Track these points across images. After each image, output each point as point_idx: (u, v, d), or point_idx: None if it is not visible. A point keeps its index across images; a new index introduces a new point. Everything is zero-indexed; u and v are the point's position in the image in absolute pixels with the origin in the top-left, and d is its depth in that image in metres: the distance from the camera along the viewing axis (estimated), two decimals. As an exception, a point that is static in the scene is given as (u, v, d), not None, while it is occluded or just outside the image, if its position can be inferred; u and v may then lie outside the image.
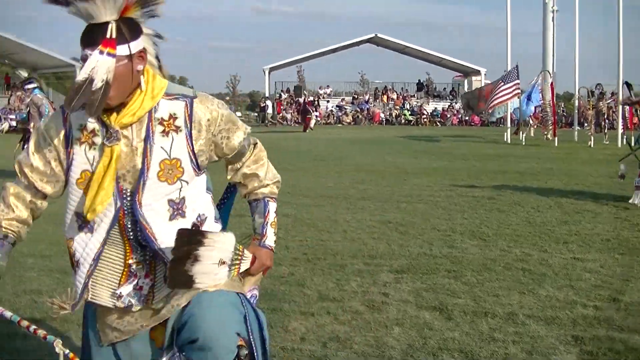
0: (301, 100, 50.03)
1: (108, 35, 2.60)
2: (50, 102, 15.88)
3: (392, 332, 5.48)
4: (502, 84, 28.46)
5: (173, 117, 2.81)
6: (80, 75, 2.53)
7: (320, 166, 18.34)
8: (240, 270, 2.98)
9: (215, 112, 2.89)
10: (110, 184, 2.74)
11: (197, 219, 2.94)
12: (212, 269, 2.82)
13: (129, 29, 2.67)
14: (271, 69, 58.51)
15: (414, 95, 59.79)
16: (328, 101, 56.90)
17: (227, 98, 56.49)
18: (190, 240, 2.78)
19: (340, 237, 9.08)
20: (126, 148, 2.77)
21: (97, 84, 2.55)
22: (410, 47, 60.66)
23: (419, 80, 61.80)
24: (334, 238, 9.00)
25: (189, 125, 2.82)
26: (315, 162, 19.46)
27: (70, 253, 2.93)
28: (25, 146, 2.90)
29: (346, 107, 56.22)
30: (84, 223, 2.85)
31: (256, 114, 52.53)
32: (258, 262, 3.04)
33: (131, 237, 2.84)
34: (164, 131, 2.79)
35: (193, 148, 2.84)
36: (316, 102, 53.85)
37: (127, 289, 2.89)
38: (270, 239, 3.13)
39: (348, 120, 53.62)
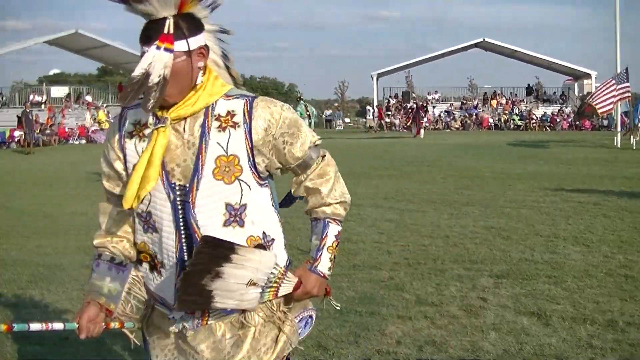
0: (409, 105, 49.99)
1: (165, 31, 2.52)
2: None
3: (489, 336, 5.51)
4: (613, 82, 27.79)
5: (231, 113, 2.64)
6: (137, 70, 2.48)
7: (425, 172, 18.34)
8: (279, 295, 2.71)
9: (277, 113, 2.67)
10: (153, 170, 2.57)
11: (262, 237, 2.71)
12: (238, 288, 2.55)
13: (188, 25, 2.57)
14: (379, 75, 58.58)
15: (523, 99, 58.74)
16: (435, 107, 56.58)
17: (336, 104, 56.71)
18: (215, 253, 2.53)
19: (442, 242, 9.11)
20: (177, 141, 2.62)
21: (154, 79, 2.47)
22: (519, 51, 59.61)
23: (528, 85, 60.71)
24: (436, 243, 9.03)
25: (248, 121, 2.63)
26: (421, 168, 19.46)
27: (146, 257, 2.76)
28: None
29: (454, 112, 55.72)
30: (145, 223, 2.69)
31: (364, 120, 52.58)
32: (303, 289, 2.77)
33: (182, 239, 2.64)
34: (220, 126, 2.62)
35: (252, 145, 2.63)
36: (425, 107, 53.63)
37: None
38: (323, 265, 2.81)
39: (456, 126, 53.16)
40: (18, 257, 8.84)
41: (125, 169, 2.69)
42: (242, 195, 2.64)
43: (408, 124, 45.00)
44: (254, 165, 2.65)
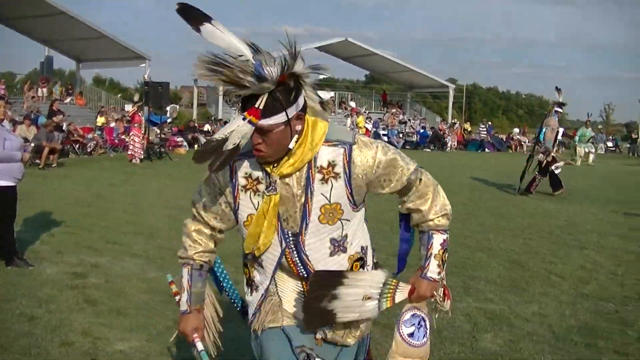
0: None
1: (256, 105, 2.68)
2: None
3: None
4: None
5: (332, 164, 2.92)
6: (218, 134, 2.68)
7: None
8: (396, 301, 3.13)
9: (373, 158, 2.93)
10: (270, 229, 2.96)
11: (360, 251, 3.14)
12: (356, 304, 3.05)
13: (286, 96, 2.73)
14: (649, 99, 55.62)
15: None
16: None
17: (600, 127, 54.45)
18: (327, 282, 3.02)
19: (681, 280, 8.58)
20: (287, 194, 2.92)
21: (229, 145, 2.65)
22: None
23: None
24: (680, 280, 8.52)
25: (347, 171, 2.91)
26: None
27: (247, 275, 3.24)
28: (202, 186, 3.12)
29: None
30: (254, 258, 3.12)
31: (629, 145, 50.08)
32: (417, 293, 3.14)
33: (301, 272, 3.05)
34: (323, 179, 2.92)
35: (352, 192, 2.95)
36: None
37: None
38: (432, 271, 3.12)
39: None
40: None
41: (235, 214, 3.08)
42: (343, 229, 3.02)
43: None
44: (353, 203, 3.00)
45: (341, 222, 3.00)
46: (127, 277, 7.85)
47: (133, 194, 15.58)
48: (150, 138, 27.03)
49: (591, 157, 32.90)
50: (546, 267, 8.99)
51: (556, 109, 17.24)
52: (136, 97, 29.45)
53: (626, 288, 8.08)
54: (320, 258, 3.02)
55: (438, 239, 3.12)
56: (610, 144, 51.43)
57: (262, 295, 3.14)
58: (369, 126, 42.97)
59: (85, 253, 9.05)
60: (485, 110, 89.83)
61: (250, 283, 3.21)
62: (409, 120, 46.46)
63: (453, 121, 48.23)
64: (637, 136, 49.19)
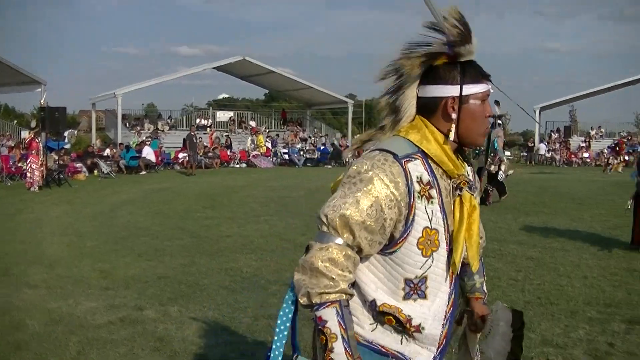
0: (571, 140, 48.86)
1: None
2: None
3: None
4: None
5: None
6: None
7: (574, 209, 17.70)
8: None
9: None
10: (474, 239, 2.63)
11: None
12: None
13: None
14: (542, 108, 57.21)
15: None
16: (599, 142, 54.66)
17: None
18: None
19: (579, 282, 8.89)
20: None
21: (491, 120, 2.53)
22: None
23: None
24: (573, 283, 8.83)
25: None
26: (570, 204, 18.80)
27: (390, 321, 2.56)
28: (351, 199, 2.42)
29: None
30: (412, 289, 2.54)
31: (525, 153, 51.44)
32: (483, 319, 3.05)
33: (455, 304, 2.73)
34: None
35: None
36: (587, 143, 51.90)
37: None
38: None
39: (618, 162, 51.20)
40: (163, 274, 9.34)
41: (404, 228, 2.48)
42: None
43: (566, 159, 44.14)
44: None
45: None
46: (26, 309, 7.62)
47: (32, 222, 15.16)
48: (48, 164, 26.37)
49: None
50: (449, 276, 9.05)
51: (499, 122, 18.22)
52: (33, 123, 28.84)
53: (527, 293, 8.30)
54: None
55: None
56: (508, 153, 52.75)
57: (444, 326, 2.67)
58: (269, 145, 42.99)
59: (-20, 286, 8.73)
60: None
61: (404, 325, 2.57)
62: (310, 137, 46.66)
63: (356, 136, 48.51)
64: (533, 144, 50.77)
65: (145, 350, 6.21)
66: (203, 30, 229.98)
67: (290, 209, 17.52)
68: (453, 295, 2.68)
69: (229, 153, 40.50)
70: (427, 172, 2.51)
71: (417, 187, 2.47)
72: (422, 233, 2.48)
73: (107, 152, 34.95)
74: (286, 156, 41.89)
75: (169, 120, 47.28)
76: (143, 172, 32.62)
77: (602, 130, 57.15)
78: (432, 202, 2.50)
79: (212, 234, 13.12)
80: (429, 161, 2.53)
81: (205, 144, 39.53)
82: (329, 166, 40.05)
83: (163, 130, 43.31)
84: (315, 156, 42.71)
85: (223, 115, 50.66)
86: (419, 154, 2.51)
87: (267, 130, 47.47)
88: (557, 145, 50.59)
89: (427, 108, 2.58)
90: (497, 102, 18.60)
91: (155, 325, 6.96)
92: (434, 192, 2.50)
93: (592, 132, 55.77)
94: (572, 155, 47.83)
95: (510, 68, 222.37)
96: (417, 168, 2.49)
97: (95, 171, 30.87)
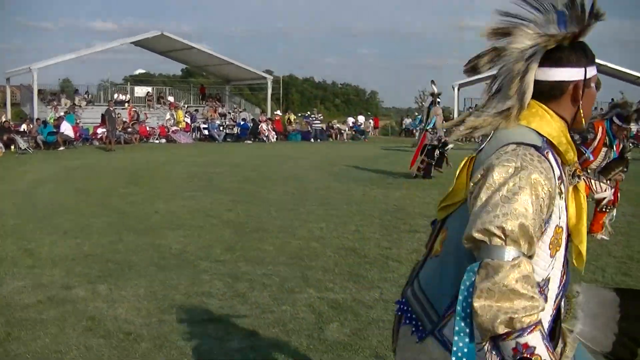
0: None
1: None
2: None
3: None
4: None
5: None
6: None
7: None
8: None
9: None
10: (585, 227, 2.47)
11: None
12: None
13: None
14: (461, 85, 57.86)
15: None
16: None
17: (416, 113, 56.22)
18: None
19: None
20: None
21: None
22: (603, 64, 58.37)
23: (612, 100, 59.15)
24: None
25: None
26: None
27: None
28: (516, 204, 2.14)
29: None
30: (540, 294, 2.20)
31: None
32: None
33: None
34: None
35: None
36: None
37: None
38: None
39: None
40: (90, 252, 9.14)
41: (543, 228, 2.27)
42: None
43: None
44: None
45: None
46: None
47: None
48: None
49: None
50: (381, 252, 9.17)
51: (438, 99, 19.37)
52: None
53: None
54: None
55: None
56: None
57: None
58: (189, 120, 42.53)
59: None
60: (303, 101, 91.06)
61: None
62: (229, 112, 46.30)
63: (276, 112, 48.45)
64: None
65: (77, 330, 6.07)
66: (120, 4, 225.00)
67: (215, 184, 17.39)
68: (560, 296, 2.49)
69: (147, 128, 39.89)
70: (557, 164, 2.34)
71: (557, 182, 2.29)
72: (554, 232, 2.31)
73: (24, 127, 34.01)
74: (206, 132, 41.44)
75: (86, 96, 46.22)
76: (62, 148, 31.71)
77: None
78: (561, 197, 2.33)
79: (137, 210, 12.89)
80: (554, 151, 2.37)
81: (124, 119, 38.82)
82: (249, 142, 39.84)
83: (80, 106, 42.29)
84: (235, 132, 42.40)
85: (141, 91, 49.86)
86: (547, 144, 2.34)
87: (186, 106, 46.88)
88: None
89: (550, 93, 2.40)
90: (433, 82, 19.74)
91: (85, 304, 6.81)
92: (562, 187, 2.35)
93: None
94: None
95: (431, 46, 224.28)
96: (553, 161, 2.31)
97: (12, 147, 29.97)
